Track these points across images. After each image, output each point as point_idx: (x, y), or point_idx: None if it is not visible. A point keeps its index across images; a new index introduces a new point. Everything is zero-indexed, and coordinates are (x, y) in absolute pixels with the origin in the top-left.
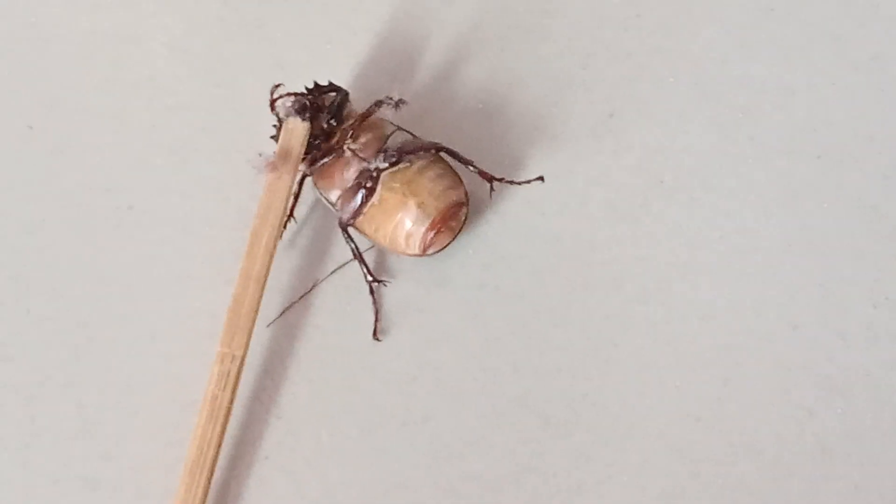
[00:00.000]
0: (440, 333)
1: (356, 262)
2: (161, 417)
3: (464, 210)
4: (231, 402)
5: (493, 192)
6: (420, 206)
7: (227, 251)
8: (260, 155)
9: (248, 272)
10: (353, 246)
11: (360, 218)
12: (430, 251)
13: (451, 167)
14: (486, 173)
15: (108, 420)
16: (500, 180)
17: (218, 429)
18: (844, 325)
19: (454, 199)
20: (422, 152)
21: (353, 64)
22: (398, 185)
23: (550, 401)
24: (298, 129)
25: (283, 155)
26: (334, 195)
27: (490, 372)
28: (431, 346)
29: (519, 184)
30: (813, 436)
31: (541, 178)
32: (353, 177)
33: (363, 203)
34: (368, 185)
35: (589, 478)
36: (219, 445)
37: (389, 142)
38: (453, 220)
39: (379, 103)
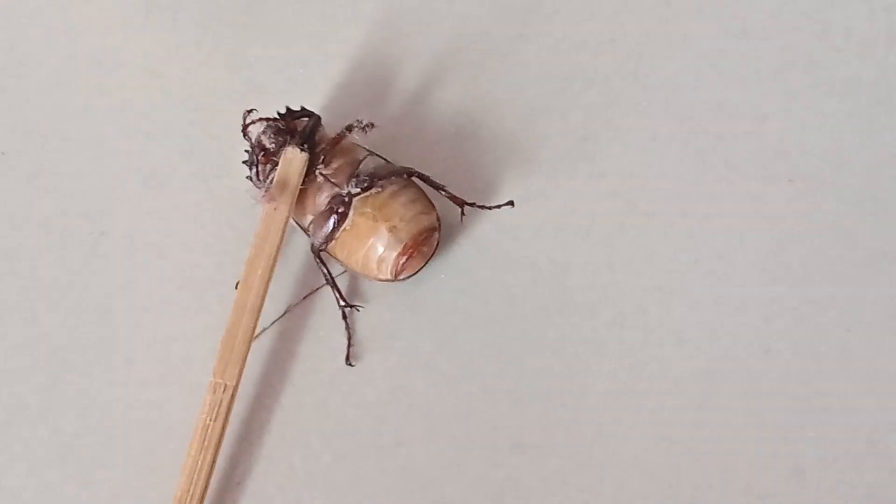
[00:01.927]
0: (413, 358)
1: (328, 288)
2: (138, 444)
3: (436, 235)
4: (222, 431)
5: (464, 217)
6: (392, 231)
7: (202, 277)
8: (260, 187)
9: (243, 302)
10: (325, 271)
11: (333, 243)
12: (403, 276)
13: (423, 192)
14: (457, 198)
15: (85, 446)
16: (472, 205)
17: (209, 458)
18: (818, 349)
19: (426, 224)
20: (394, 177)
21: (329, 89)
22: (370, 210)
23: (524, 426)
24: (296, 160)
25: (281, 185)
26: (306, 220)
27: (463, 397)
28: (404, 371)
29: (490, 208)
30: (787, 460)
31: (511, 203)
32: (326, 202)
33: (335, 228)
34: (340, 210)
35: (564, 503)
36: (209, 476)
37: (361, 167)
38: (425, 245)
39: (349, 128)
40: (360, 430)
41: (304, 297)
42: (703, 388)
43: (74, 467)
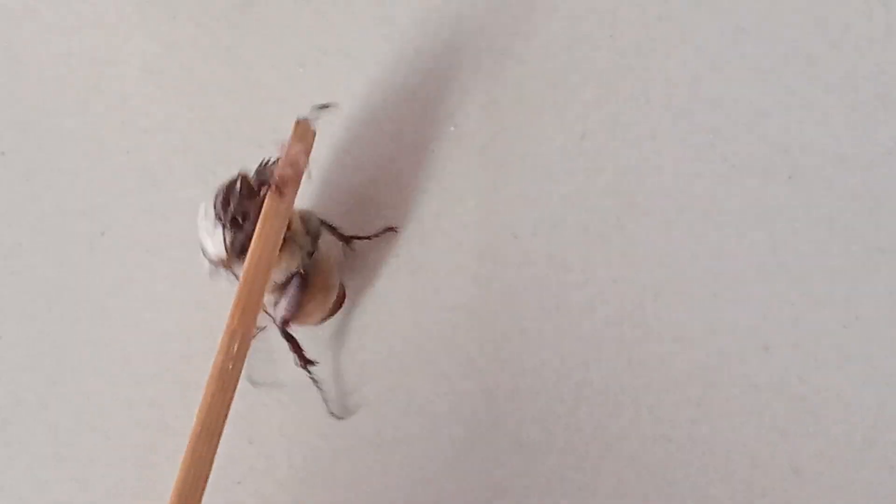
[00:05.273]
0: (412, 356)
1: None
2: (135, 441)
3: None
4: (238, 376)
5: (353, 252)
6: None
7: (199, 275)
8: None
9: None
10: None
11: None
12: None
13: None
14: (343, 236)
15: (83, 444)
16: (354, 238)
17: (226, 401)
18: (816, 345)
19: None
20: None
21: (326, 86)
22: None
23: (523, 423)
24: (309, 134)
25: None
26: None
27: (463, 395)
28: (404, 368)
29: (370, 238)
30: (785, 456)
31: (393, 230)
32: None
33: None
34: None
35: (562, 500)
36: (223, 420)
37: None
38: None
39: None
40: (359, 427)
41: None
42: (702, 385)
43: (72, 466)
